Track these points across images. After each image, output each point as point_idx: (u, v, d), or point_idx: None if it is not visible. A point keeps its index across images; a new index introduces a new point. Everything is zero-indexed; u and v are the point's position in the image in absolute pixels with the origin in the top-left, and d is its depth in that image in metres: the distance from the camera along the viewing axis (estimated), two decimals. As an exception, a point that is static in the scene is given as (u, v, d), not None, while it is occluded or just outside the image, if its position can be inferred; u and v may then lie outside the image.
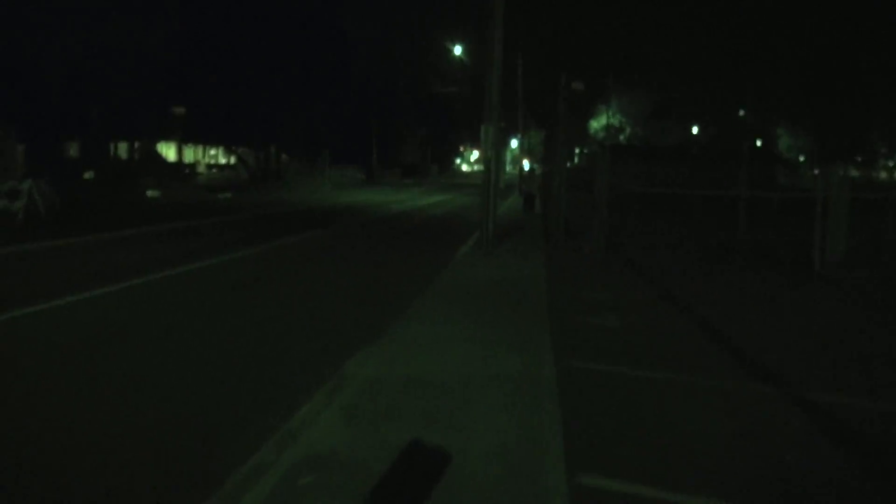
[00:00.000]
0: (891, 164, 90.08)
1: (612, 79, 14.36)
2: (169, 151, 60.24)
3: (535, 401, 4.99)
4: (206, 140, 60.50)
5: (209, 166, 63.24)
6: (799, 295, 10.32)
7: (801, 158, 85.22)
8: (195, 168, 57.91)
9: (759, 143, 79.55)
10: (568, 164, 17.70)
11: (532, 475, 3.84)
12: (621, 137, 74.91)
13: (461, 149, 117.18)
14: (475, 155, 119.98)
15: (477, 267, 12.09)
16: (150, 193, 28.88)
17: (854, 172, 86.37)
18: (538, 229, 19.89)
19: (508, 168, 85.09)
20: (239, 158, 57.87)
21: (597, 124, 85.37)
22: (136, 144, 57.28)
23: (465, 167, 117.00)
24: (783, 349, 7.01)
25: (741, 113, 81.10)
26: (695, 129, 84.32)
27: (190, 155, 64.39)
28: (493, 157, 14.17)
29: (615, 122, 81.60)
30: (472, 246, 15.18)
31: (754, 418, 5.02)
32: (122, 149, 57.29)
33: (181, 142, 57.80)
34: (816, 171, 77.21)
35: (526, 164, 45.90)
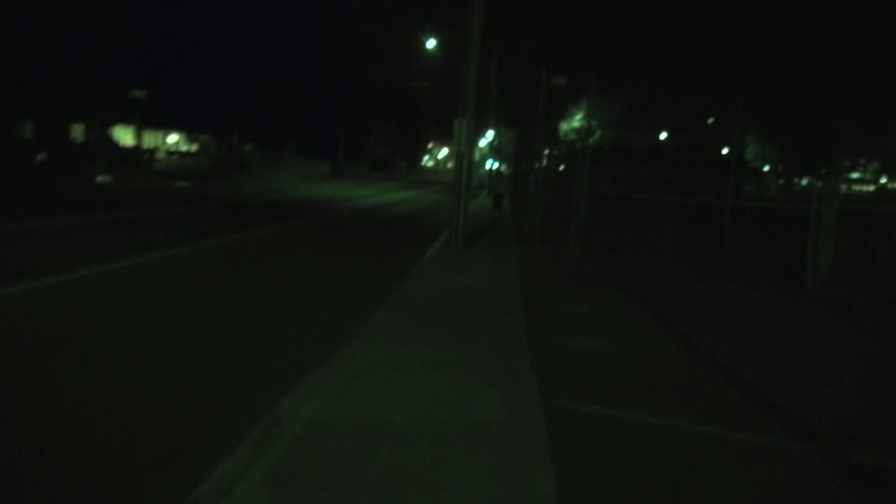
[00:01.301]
0: (854, 176, 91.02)
1: (596, 74, 13.45)
2: (127, 136, 58.18)
3: (525, 461, 3.92)
4: (167, 125, 58.46)
5: (170, 153, 61.20)
6: (799, 317, 9.41)
7: (766, 168, 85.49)
8: (154, 154, 55.88)
9: (725, 151, 79.74)
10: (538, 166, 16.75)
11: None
12: (591, 140, 74.29)
13: (429, 146, 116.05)
14: (444, 152, 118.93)
15: (446, 272, 11.01)
16: (100, 179, 27.28)
17: (818, 184, 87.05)
18: (509, 230, 18.87)
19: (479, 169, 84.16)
20: (201, 146, 55.98)
21: (567, 126, 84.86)
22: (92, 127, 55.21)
23: (432, 164, 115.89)
24: (805, 386, 6.03)
25: (710, 121, 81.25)
26: (662, 136, 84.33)
27: (151, 140, 62.33)
28: (467, 154, 13.10)
29: (586, 124, 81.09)
30: (441, 247, 14.10)
31: (795, 487, 4.01)
32: (79, 131, 55.17)
33: (141, 126, 55.78)
34: (781, 182, 77.67)
35: (491, 163, 44.97)
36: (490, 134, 60.02)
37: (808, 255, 11.37)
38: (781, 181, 77.27)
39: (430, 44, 40.98)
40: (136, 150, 53.42)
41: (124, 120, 53.44)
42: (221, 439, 4.13)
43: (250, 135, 57.76)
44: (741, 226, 14.42)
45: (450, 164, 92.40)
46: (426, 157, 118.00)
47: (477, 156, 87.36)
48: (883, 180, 75.01)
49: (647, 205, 22.52)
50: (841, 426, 5.05)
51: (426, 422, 4.38)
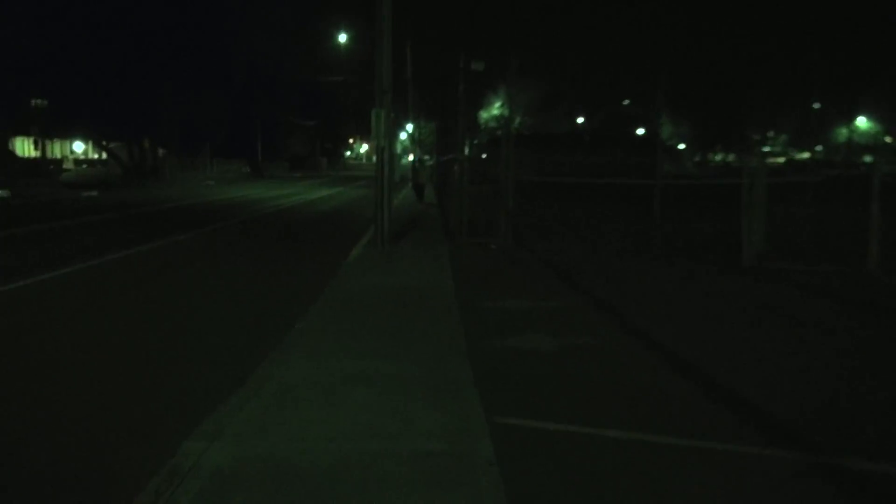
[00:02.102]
0: (764, 149, 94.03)
1: (515, 56, 12.96)
2: (30, 147, 55.22)
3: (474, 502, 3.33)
4: (72, 134, 55.70)
5: (78, 162, 58.37)
6: (743, 295, 9.09)
7: (681, 146, 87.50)
8: (62, 164, 53.16)
9: (641, 132, 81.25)
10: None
11: None
12: (511, 127, 74.60)
13: (351, 140, 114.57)
14: (365, 147, 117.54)
15: (373, 272, 10.35)
16: (-1, 193, 25.52)
17: (729, 158, 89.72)
18: (437, 223, 18.30)
19: (402, 161, 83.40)
20: (110, 153, 53.44)
21: (486, 115, 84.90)
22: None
23: (355, 159, 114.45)
24: (764, 377, 5.64)
25: (625, 102, 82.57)
26: (580, 119, 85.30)
27: (57, 151, 59.38)
28: (386, 146, 12.44)
29: (506, 110, 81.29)
30: (367, 245, 13.42)
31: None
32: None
33: (44, 137, 52.98)
34: (697, 159, 79.50)
35: (413, 157, 44.40)
36: (410, 127, 59.37)
37: (743, 231, 11.15)
38: (697, 158, 79.18)
39: (342, 37, 40.00)
40: (40, 162, 50.75)
41: (24, 131, 50.75)
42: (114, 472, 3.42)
43: (162, 139, 55.50)
44: (668, 205, 14.22)
45: (374, 158, 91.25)
46: (348, 153, 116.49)
47: (399, 148, 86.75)
48: (805, 154, 77.51)
49: (573, 189, 22.27)
50: (819, 427, 4.65)
51: (356, 459, 3.73)
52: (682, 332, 6.97)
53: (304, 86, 77.04)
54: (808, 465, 3.93)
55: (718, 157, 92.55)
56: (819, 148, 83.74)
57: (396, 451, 3.82)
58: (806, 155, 77.72)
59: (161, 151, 58.68)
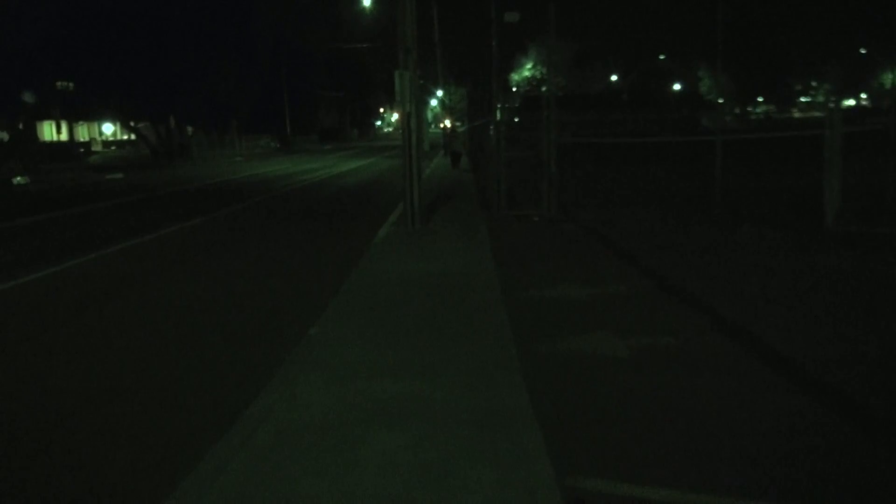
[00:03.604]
0: (804, 101, 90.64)
1: (553, 5, 11.62)
2: (60, 131, 54.84)
3: None
4: (100, 116, 55.06)
5: (107, 144, 57.96)
6: (843, 270, 7.67)
7: (720, 100, 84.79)
8: (90, 147, 52.72)
9: (678, 87, 78.60)
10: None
11: None
12: (543, 89, 72.74)
13: (381, 111, 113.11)
14: (396, 116, 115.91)
15: (402, 255, 9.14)
16: (18, 180, 24.74)
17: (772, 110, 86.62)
18: (472, 194, 17.00)
19: (431, 128, 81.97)
20: (138, 134, 52.78)
21: (518, 76, 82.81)
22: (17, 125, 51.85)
23: (386, 129, 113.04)
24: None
25: (661, 57, 79.83)
26: (614, 77, 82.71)
27: (84, 133, 59.02)
28: (413, 112, 11.14)
29: (537, 73, 79.17)
30: (396, 223, 12.21)
31: None
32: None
33: (70, 119, 52.54)
34: (737, 111, 76.61)
35: (445, 123, 42.87)
36: (440, 93, 57.78)
37: (825, 190, 9.67)
38: (737, 111, 76.22)
39: (367, 1, 38.44)
40: (69, 145, 50.35)
41: (50, 115, 50.30)
42: None
43: (189, 117, 54.61)
44: (715, 163, 12.78)
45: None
46: (379, 123, 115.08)
47: (429, 116, 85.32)
48: (850, 102, 74.37)
49: (614, 149, 20.78)
50: None
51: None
52: (792, 327, 5.57)
53: (331, 56, 75.68)
54: None
55: (759, 110, 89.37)
56: (864, 96, 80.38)
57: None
58: (851, 103, 74.50)
59: (189, 130, 57.91)
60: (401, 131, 11.37)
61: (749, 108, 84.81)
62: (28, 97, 42.35)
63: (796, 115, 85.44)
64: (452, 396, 4.16)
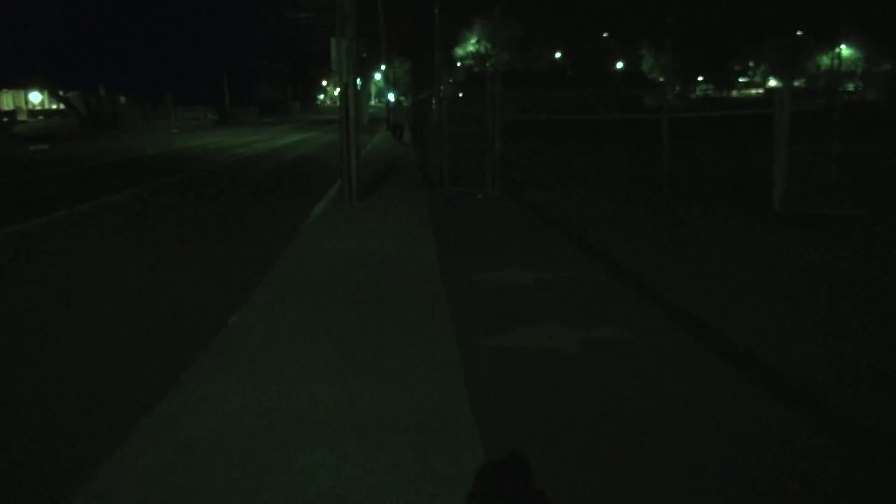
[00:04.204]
0: (741, 80, 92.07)
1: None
2: (-21, 98, 52.18)
3: None
4: (25, 84, 52.39)
5: (33, 113, 55.28)
6: (798, 252, 7.41)
7: (661, 79, 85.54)
8: (15, 116, 50.15)
9: (620, 66, 78.97)
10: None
11: None
12: (488, 64, 72.20)
13: (324, 83, 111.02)
14: (339, 91, 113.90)
15: (338, 234, 8.57)
16: (-72, 150, 23.09)
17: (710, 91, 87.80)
18: (414, 169, 16.46)
19: (373, 102, 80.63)
20: (67, 103, 50.45)
21: (462, 51, 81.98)
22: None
23: (329, 103, 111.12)
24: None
25: (605, 35, 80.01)
26: (557, 54, 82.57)
27: (8, 102, 56.17)
28: (351, 83, 10.50)
29: (482, 48, 78.50)
30: (334, 199, 11.60)
31: None
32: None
33: (-7, 86, 49.95)
34: (677, 91, 77.38)
35: (391, 96, 42.01)
36: (383, 68, 56.64)
37: (775, 169, 9.43)
38: (677, 91, 76.86)
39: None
40: (-9, 113, 47.88)
41: (-29, 81, 47.76)
42: None
43: (122, 86, 52.42)
44: (662, 142, 12.51)
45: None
46: (321, 97, 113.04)
47: (373, 91, 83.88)
48: (772, 83, 75.87)
49: (558, 127, 20.41)
50: None
51: None
52: (752, 316, 5.22)
53: (274, 26, 73.65)
54: None
55: (699, 90, 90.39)
56: (800, 78, 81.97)
57: None
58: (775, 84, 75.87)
59: (123, 100, 55.66)
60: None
61: (690, 88, 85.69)
62: None
63: (735, 94, 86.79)
64: (386, 399, 3.67)
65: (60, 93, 51.18)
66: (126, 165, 20.14)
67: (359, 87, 10.98)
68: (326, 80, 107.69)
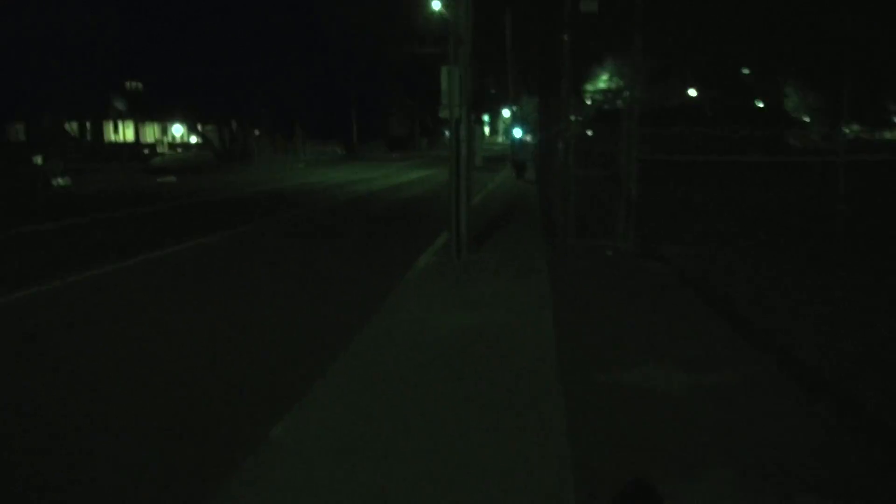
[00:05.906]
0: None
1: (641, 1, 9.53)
2: (127, 131, 55.00)
3: None
4: (169, 117, 54.81)
5: (173, 146, 57.82)
6: None
7: (807, 119, 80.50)
8: (155, 149, 52.46)
9: (761, 104, 74.50)
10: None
11: None
12: (619, 102, 69.90)
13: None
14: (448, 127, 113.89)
15: (435, 300, 7.07)
16: (59, 181, 23.67)
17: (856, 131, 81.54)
18: (535, 213, 14.87)
19: (500, 139, 79.78)
20: (203, 137, 52.35)
21: (592, 88, 79.96)
22: (87, 124, 52.12)
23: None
24: None
25: (745, 71, 75.91)
26: (692, 91, 78.93)
27: (153, 134, 59.09)
28: (463, 117, 9.07)
29: (612, 85, 76.26)
30: (441, 249, 10.18)
31: None
32: (73, 130, 52.07)
33: (137, 120, 52.53)
34: (824, 132, 72.21)
35: (518, 133, 40.68)
36: (513, 108, 55.54)
37: None
38: (824, 131, 71.62)
39: (436, 5, 36.64)
40: (134, 146, 50.21)
41: (115, 115, 50.28)
42: None
43: (255, 120, 53.88)
44: (824, 188, 10.40)
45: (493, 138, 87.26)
46: (447, 132, 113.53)
47: (501, 128, 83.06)
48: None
49: (705, 169, 18.23)
50: None
51: None
52: None
53: (404, 62, 74.36)
54: None
55: (848, 131, 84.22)
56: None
57: None
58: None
59: (257, 133, 57.21)
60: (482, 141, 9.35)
61: (838, 129, 79.92)
62: (119, 104, 42.16)
63: (887, 136, 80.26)
64: None
65: (198, 126, 53.19)
66: (230, 202, 19.56)
67: (486, 123, 9.54)
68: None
